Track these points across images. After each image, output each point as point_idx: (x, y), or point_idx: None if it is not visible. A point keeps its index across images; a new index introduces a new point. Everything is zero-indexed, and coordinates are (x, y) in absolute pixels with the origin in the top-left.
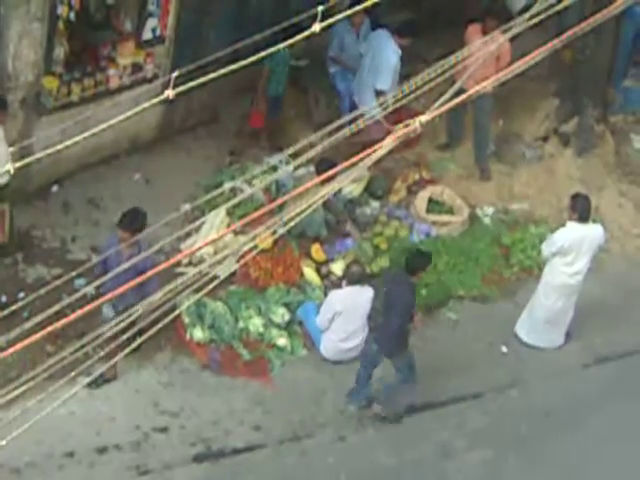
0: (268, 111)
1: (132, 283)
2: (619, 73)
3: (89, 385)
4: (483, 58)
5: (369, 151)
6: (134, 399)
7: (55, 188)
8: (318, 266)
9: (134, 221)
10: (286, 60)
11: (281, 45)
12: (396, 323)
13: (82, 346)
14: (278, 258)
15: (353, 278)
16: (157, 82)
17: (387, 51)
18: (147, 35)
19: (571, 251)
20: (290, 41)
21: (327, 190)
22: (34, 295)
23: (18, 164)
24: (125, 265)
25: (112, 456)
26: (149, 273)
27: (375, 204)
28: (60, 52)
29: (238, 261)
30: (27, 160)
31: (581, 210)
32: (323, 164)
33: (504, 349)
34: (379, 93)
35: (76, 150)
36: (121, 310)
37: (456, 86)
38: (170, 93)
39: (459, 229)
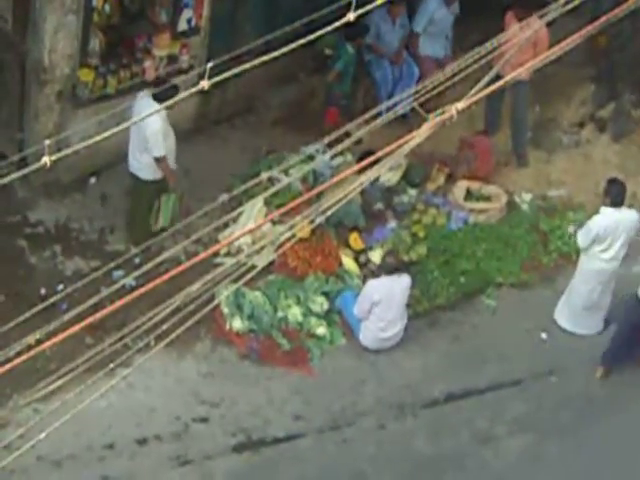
0: (341, 109)
1: None
2: None
3: None
4: (519, 44)
5: (405, 139)
6: (174, 389)
7: (93, 180)
8: (356, 255)
9: None
10: (354, 59)
11: (312, 36)
12: None
13: (121, 337)
14: (316, 247)
15: (388, 268)
16: (193, 73)
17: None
18: (182, 26)
19: (607, 237)
20: (324, 30)
21: (364, 178)
22: (73, 287)
23: (55, 157)
24: None
25: (152, 447)
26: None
27: (412, 192)
28: (95, 44)
29: (276, 250)
30: (64, 152)
31: (614, 195)
32: (363, 155)
33: (544, 336)
34: None
35: (113, 142)
36: None
37: (492, 73)
38: (205, 84)
39: (497, 216)
